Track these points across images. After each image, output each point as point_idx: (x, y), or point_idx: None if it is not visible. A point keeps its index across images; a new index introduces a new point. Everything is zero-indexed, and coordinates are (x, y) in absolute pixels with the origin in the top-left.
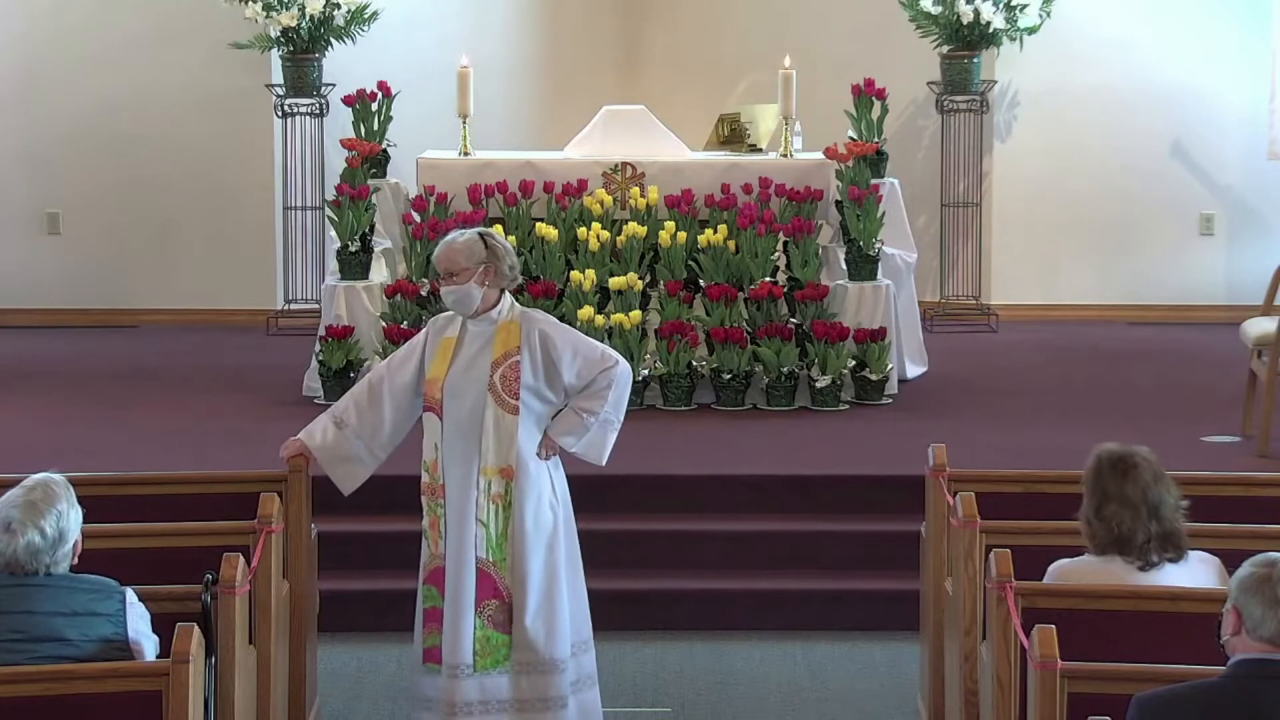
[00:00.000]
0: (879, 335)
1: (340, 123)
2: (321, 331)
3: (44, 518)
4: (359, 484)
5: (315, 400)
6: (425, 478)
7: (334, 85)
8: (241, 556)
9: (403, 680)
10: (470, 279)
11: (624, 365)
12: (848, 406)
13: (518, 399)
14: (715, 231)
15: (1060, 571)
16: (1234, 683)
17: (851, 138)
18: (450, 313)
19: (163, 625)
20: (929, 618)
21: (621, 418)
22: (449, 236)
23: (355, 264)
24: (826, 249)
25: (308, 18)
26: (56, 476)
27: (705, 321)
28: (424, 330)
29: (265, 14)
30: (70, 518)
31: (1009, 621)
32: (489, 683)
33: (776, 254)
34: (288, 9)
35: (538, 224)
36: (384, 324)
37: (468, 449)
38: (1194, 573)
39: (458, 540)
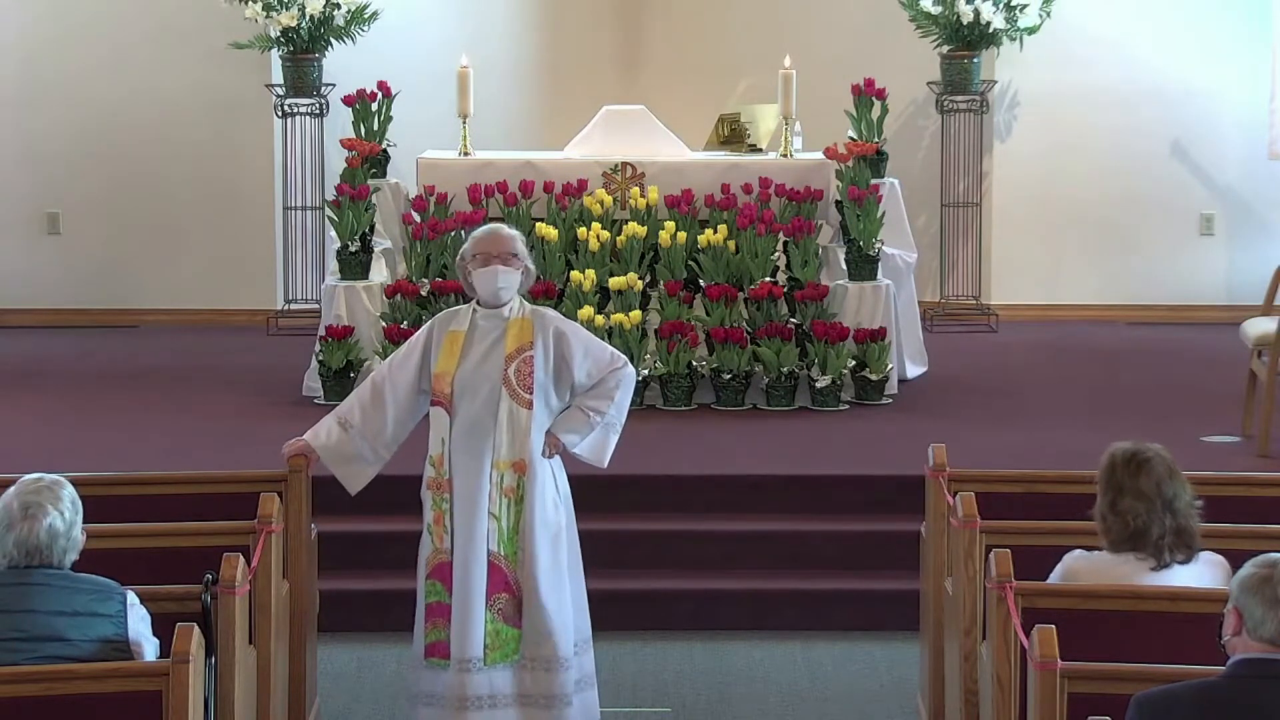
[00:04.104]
0: (879, 335)
1: (340, 123)
2: (321, 331)
3: (60, 501)
4: (364, 483)
5: (315, 400)
6: (431, 472)
7: (334, 85)
8: (241, 556)
9: (403, 680)
10: (520, 269)
11: (631, 368)
12: (848, 406)
13: (531, 393)
14: (715, 231)
15: (1071, 565)
16: (1234, 682)
17: (851, 138)
18: (457, 308)
19: (163, 625)
20: (929, 618)
21: (624, 420)
22: (495, 225)
23: (355, 264)
24: (826, 249)
25: (308, 18)
26: (60, 478)
27: (705, 321)
28: (425, 327)
29: (265, 14)
30: (79, 509)
31: (1009, 621)
32: (496, 677)
33: (776, 254)
34: (288, 9)
35: (538, 224)
36: (384, 324)
37: (478, 443)
38: (1201, 576)
39: (466, 534)
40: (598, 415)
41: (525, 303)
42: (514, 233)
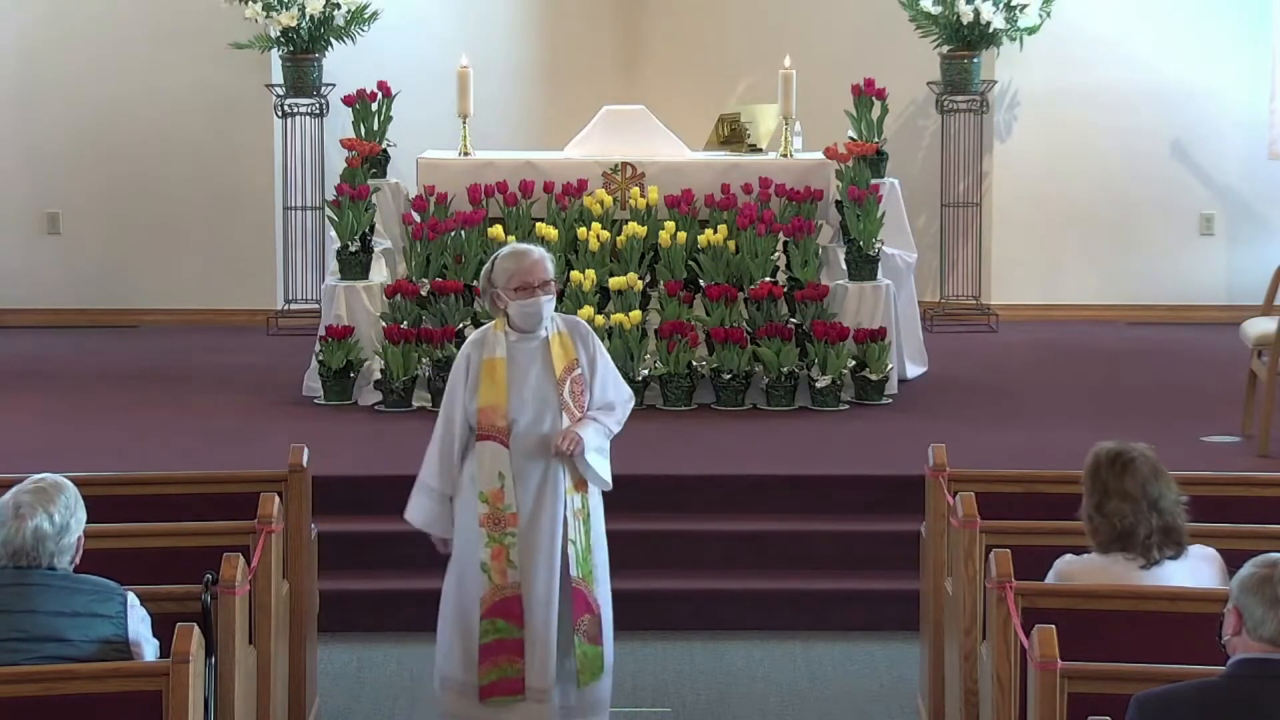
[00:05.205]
0: (879, 335)
1: (340, 123)
2: (321, 331)
3: (53, 504)
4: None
5: (315, 400)
6: (483, 508)
7: (334, 85)
8: (241, 556)
9: (403, 680)
10: (553, 288)
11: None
12: (848, 406)
13: (585, 410)
14: (715, 231)
15: (1063, 569)
16: (1234, 682)
17: (851, 138)
18: (482, 332)
19: (163, 625)
20: (929, 618)
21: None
22: (522, 247)
23: (355, 264)
24: (826, 249)
25: (308, 18)
26: (63, 479)
27: (705, 321)
28: (458, 364)
29: (265, 14)
30: (76, 513)
31: (1009, 621)
32: (561, 697)
33: (776, 254)
34: (288, 9)
35: (538, 224)
36: (384, 324)
37: (545, 473)
38: (1195, 570)
39: (535, 566)
40: (609, 429)
41: (554, 313)
42: (544, 253)
